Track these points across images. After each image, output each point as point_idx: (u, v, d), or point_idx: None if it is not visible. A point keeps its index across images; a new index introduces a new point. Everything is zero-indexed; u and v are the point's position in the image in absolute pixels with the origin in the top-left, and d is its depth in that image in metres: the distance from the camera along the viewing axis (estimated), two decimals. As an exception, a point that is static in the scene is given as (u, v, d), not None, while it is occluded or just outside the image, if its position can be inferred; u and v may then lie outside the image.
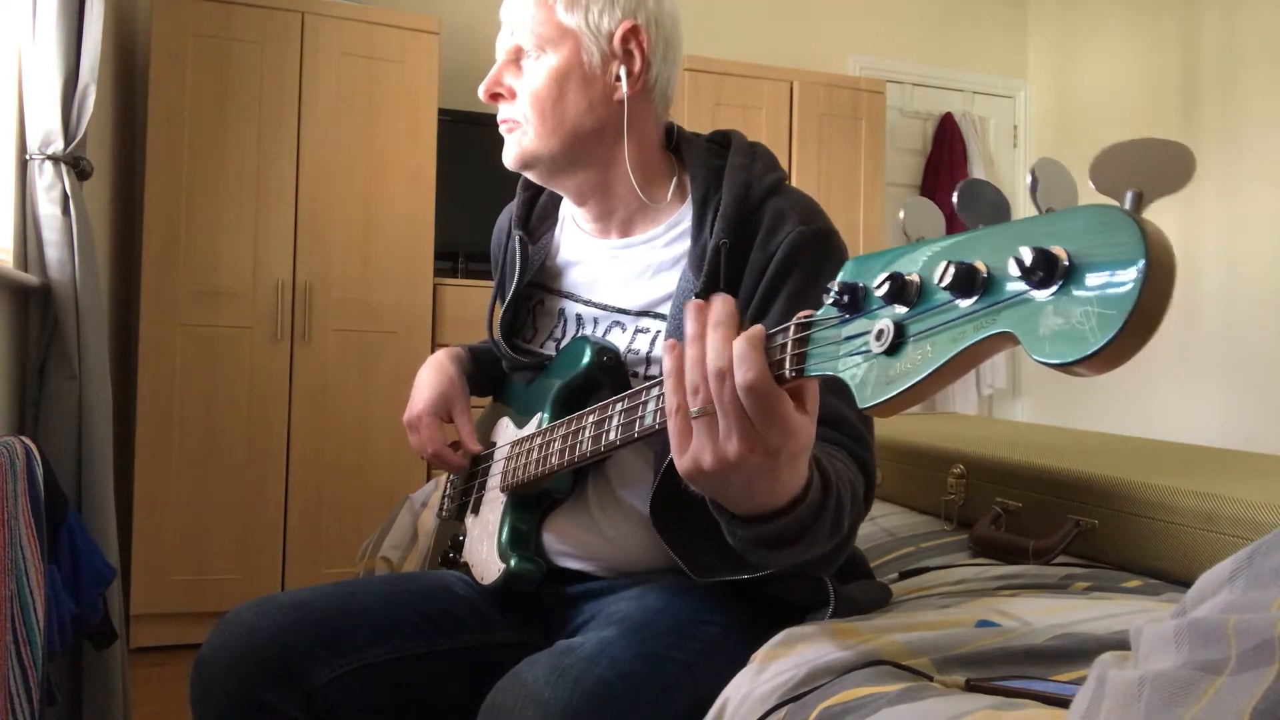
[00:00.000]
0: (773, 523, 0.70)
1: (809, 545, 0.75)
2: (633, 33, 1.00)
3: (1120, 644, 0.70)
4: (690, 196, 1.02)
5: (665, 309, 1.00)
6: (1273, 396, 3.23)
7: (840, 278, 0.57)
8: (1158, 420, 3.50)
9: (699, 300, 0.67)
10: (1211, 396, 3.42)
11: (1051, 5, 4.25)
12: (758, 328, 0.64)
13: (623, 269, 1.06)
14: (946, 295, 0.49)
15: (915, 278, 0.52)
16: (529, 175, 1.08)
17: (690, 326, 0.66)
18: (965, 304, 0.48)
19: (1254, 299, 3.30)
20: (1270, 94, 3.26)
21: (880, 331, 0.53)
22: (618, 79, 1.00)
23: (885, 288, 0.52)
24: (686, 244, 1.00)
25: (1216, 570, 0.54)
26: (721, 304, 0.65)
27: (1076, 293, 0.43)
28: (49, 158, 1.80)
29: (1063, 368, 0.43)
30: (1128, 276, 0.41)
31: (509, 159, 1.05)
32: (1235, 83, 3.38)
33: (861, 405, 0.53)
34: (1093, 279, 0.43)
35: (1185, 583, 1.09)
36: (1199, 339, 3.46)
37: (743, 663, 0.82)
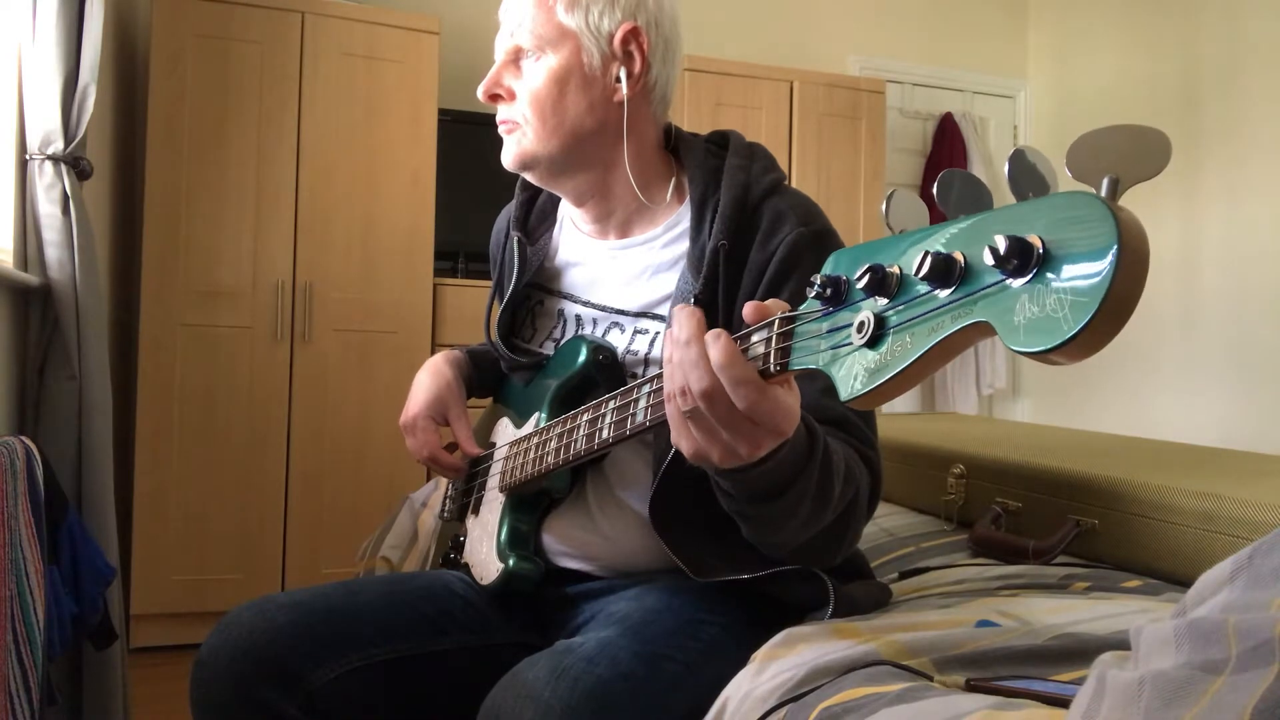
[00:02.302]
0: (760, 466, 0.71)
1: (800, 495, 0.76)
2: (633, 34, 1.00)
3: (1120, 644, 0.70)
4: (689, 197, 1.02)
5: (664, 310, 1.00)
6: (1273, 397, 3.23)
7: (824, 270, 0.58)
8: (1158, 420, 3.50)
9: (683, 305, 0.70)
10: (1212, 397, 3.42)
11: (1051, 5, 4.25)
12: (729, 346, 0.64)
13: (621, 270, 1.06)
14: (925, 286, 0.49)
15: (895, 269, 0.52)
16: (528, 176, 1.08)
17: (673, 329, 0.68)
18: (943, 294, 0.49)
19: (1255, 299, 3.30)
20: (1271, 94, 3.26)
21: (861, 324, 0.53)
22: (617, 80, 1.00)
23: (866, 280, 0.53)
24: (685, 245, 1.00)
25: (1216, 570, 0.54)
26: (688, 319, 0.67)
27: (1051, 280, 0.43)
28: (49, 158, 1.80)
29: (1038, 356, 0.43)
30: (1100, 262, 0.41)
31: (508, 160, 1.04)
32: (1235, 83, 3.38)
33: (844, 398, 0.54)
34: (1067, 266, 0.43)
35: (1185, 583, 1.09)
36: (1200, 339, 3.46)
37: (743, 663, 0.82)
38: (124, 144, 2.82)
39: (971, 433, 1.75)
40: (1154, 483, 1.18)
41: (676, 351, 0.68)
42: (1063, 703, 0.66)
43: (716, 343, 0.65)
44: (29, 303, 1.84)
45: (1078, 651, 0.78)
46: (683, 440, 0.71)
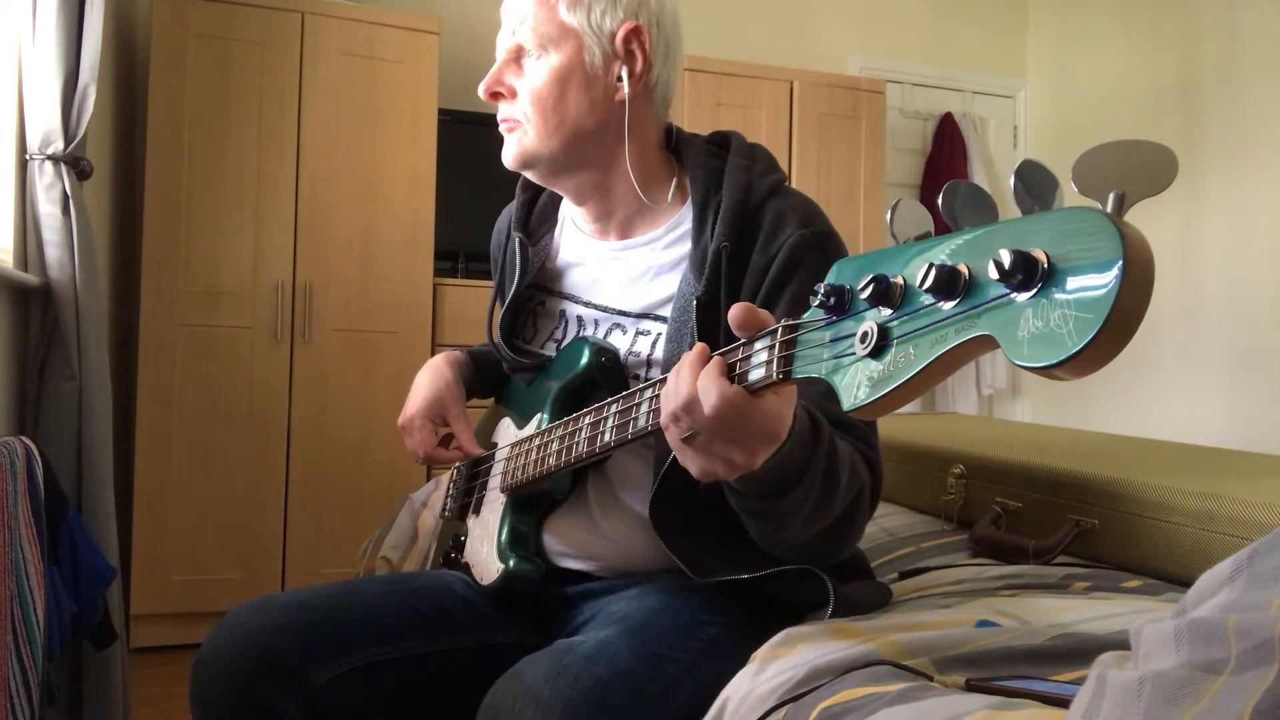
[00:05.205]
0: (766, 461, 0.72)
1: (809, 488, 0.77)
2: (635, 33, 1.00)
3: (1120, 644, 0.70)
4: (690, 198, 1.02)
5: (666, 311, 1.00)
6: (1273, 397, 3.23)
7: (827, 280, 0.58)
8: (1158, 420, 3.50)
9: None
10: (1212, 396, 3.42)
11: (1051, 5, 4.25)
12: (717, 360, 0.68)
13: (623, 271, 1.06)
14: (929, 298, 0.49)
15: (899, 280, 0.52)
16: (529, 175, 1.08)
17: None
18: (947, 306, 0.48)
19: (1255, 299, 3.30)
20: (1271, 94, 3.26)
21: (864, 334, 0.53)
22: (619, 79, 1.00)
23: (870, 290, 0.52)
24: (687, 246, 1.00)
25: (1216, 570, 0.54)
26: (696, 348, 0.71)
27: (1055, 295, 0.43)
28: (49, 158, 1.80)
29: (1042, 371, 0.43)
30: (1105, 279, 0.41)
31: (509, 158, 1.04)
32: (1235, 82, 3.38)
33: (846, 408, 0.54)
34: (1071, 281, 0.42)
35: (1185, 583, 1.09)
36: (1200, 339, 3.46)
37: (743, 663, 0.82)
38: (124, 144, 2.82)
39: (971, 433, 1.75)
40: (1154, 483, 1.18)
41: (670, 380, 0.71)
42: (1063, 703, 0.66)
43: (699, 357, 0.69)
44: (29, 303, 1.84)
45: (1078, 651, 0.78)
46: (689, 464, 0.73)
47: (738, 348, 0.67)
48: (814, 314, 0.59)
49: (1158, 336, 3.51)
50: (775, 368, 0.63)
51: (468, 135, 3.06)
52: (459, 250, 3.16)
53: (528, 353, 1.11)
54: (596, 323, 1.07)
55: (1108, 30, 3.92)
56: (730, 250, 0.95)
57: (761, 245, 0.95)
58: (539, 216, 1.18)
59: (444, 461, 1.15)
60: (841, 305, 0.56)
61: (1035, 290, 0.44)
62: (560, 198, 1.15)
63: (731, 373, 0.67)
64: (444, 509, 1.23)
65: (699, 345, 0.71)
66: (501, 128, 1.04)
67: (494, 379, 1.22)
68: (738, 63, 3.45)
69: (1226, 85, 3.41)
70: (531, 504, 1.04)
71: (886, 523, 1.50)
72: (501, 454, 1.10)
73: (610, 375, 1.00)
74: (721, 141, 1.07)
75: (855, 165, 3.56)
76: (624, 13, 0.99)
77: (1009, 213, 0.48)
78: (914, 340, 0.50)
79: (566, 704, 0.75)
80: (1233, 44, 3.40)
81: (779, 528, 0.82)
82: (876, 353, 0.53)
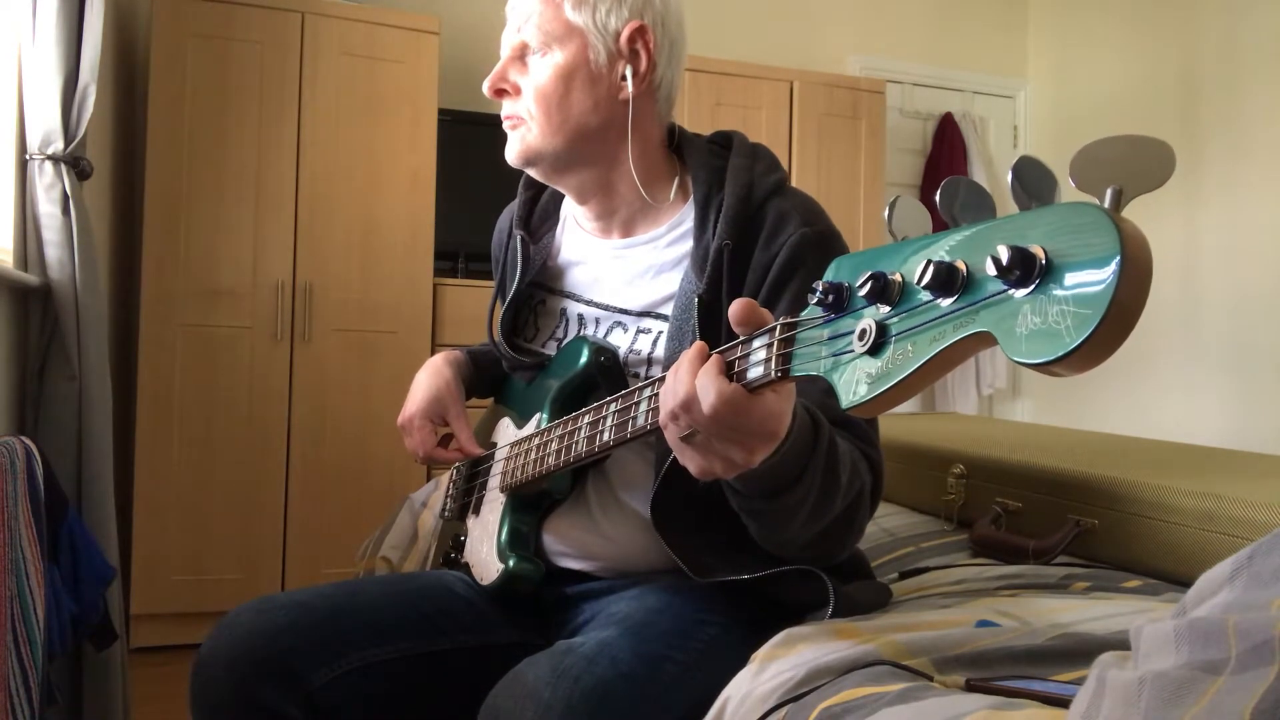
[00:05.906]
0: (766, 460, 0.72)
1: (809, 486, 0.77)
2: (639, 33, 1.00)
3: (1120, 644, 0.70)
4: (692, 197, 1.02)
5: (667, 309, 1.00)
6: (1273, 397, 3.23)
7: (825, 277, 0.58)
8: (1159, 420, 3.50)
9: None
10: (1213, 397, 3.42)
11: (1051, 5, 4.25)
12: (715, 358, 0.67)
13: (624, 269, 1.06)
14: (927, 295, 0.49)
15: (897, 277, 0.52)
16: (531, 172, 1.08)
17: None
18: (945, 303, 0.48)
19: (1255, 299, 3.30)
20: (1271, 93, 3.26)
21: (863, 331, 0.53)
22: (623, 78, 1.01)
23: (868, 287, 0.52)
24: (688, 244, 1.00)
25: (1216, 570, 0.54)
26: (694, 346, 0.71)
27: (1053, 291, 0.43)
28: (49, 158, 1.80)
29: (1040, 367, 0.43)
30: (1103, 274, 0.41)
31: (512, 156, 1.05)
32: (1236, 82, 3.38)
33: (845, 405, 0.54)
34: (1069, 277, 0.42)
35: (1185, 583, 1.09)
36: (1200, 339, 3.46)
37: (743, 663, 0.82)
38: (124, 144, 2.82)
39: (971, 433, 1.75)
40: (1154, 483, 1.18)
41: (669, 378, 0.70)
42: (1063, 703, 0.66)
43: (697, 355, 0.68)
44: (29, 303, 1.84)
45: (1078, 651, 0.78)
46: (688, 463, 0.72)
47: (736, 346, 0.67)
48: (812, 312, 0.59)
49: (1158, 336, 3.51)
50: (774, 365, 0.63)
51: (468, 135, 3.06)
52: (459, 250, 3.16)
53: (528, 351, 1.11)
54: (598, 321, 1.07)
55: (1108, 30, 3.92)
56: (732, 249, 0.95)
57: (763, 244, 0.95)
58: (541, 215, 1.18)
59: (444, 461, 1.15)
60: (840, 303, 0.56)
61: (1033, 286, 0.44)
62: (562, 196, 1.16)
63: (730, 371, 0.67)
64: (444, 509, 1.23)
65: (697, 343, 0.70)
66: (505, 125, 1.04)
67: (493, 378, 1.22)
68: (738, 63, 3.45)
69: (1226, 85, 3.41)
70: (531, 504, 1.04)
71: (886, 523, 1.50)
72: (501, 454, 1.10)
73: (609, 374, 1.00)
74: (724, 141, 1.07)
75: (855, 165, 3.56)
76: (629, 12, 1.00)
77: (1007, 210, 0.48)
78: (912, 337, 0.50)
79: (567, 705, 0.75)
80: (1233, 44, 3.40)
81: (779, 527, 0.82)
82: (875, 350, 0.53)
